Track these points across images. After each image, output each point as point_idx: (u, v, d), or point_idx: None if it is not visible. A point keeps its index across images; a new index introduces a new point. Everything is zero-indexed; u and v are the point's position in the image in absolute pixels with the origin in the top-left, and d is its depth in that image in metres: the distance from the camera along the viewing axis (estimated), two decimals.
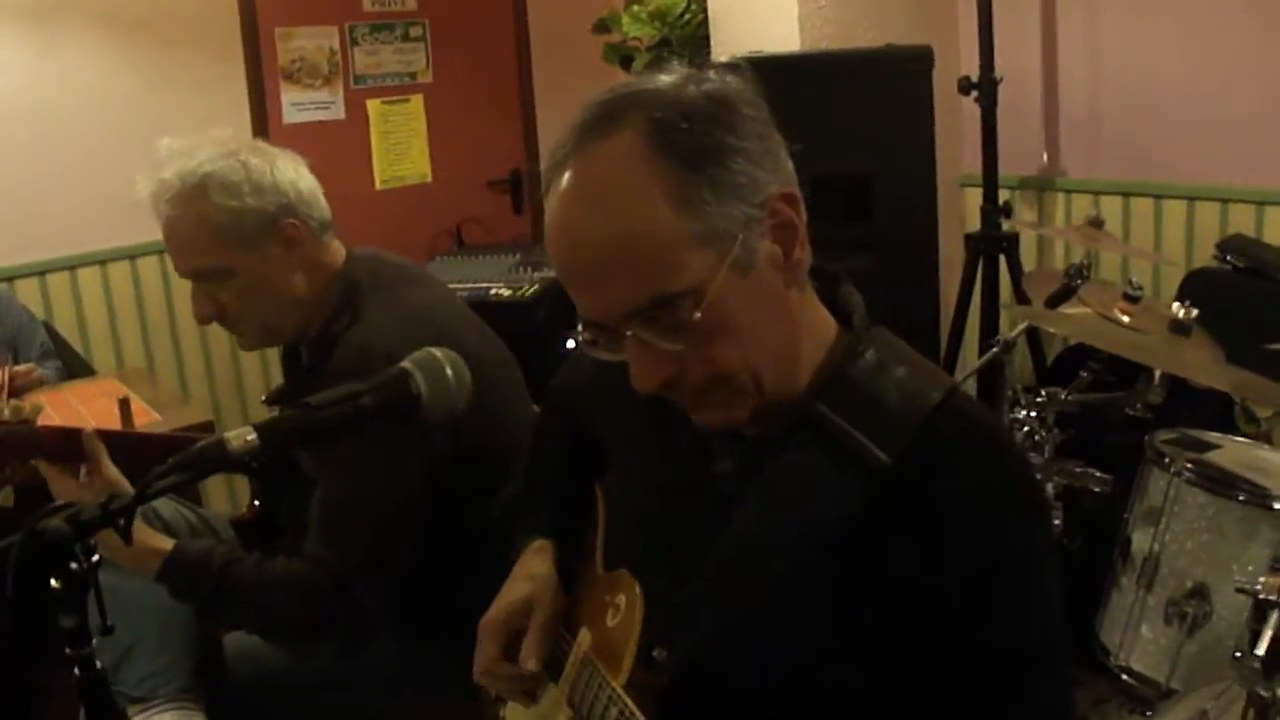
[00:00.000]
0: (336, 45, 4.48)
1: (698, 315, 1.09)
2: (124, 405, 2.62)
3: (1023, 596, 1.16)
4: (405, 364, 1.22)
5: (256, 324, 1.93)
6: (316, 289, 1.94)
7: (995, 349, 2.54)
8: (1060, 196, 4.15)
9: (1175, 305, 2.28)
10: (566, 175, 1.11)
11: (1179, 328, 2.26)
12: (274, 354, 4.51)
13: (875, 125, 2.85)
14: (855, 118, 2.83)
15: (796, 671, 1.19)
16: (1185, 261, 3.80)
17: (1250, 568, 2.20)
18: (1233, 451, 2.43)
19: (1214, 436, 2.52)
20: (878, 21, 3.78)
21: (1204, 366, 2.23)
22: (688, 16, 3.94)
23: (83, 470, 1.74)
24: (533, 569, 1.47)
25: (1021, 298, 3.72)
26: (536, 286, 4.10)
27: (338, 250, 1.98)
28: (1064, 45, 4.03)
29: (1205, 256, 3.75)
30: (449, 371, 1.26)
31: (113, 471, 1.73)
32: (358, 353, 1.83)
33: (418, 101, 4.69)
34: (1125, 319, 2.68)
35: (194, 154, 1.87)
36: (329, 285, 1.94)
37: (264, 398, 2.15)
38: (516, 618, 1.42)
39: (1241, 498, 2.22)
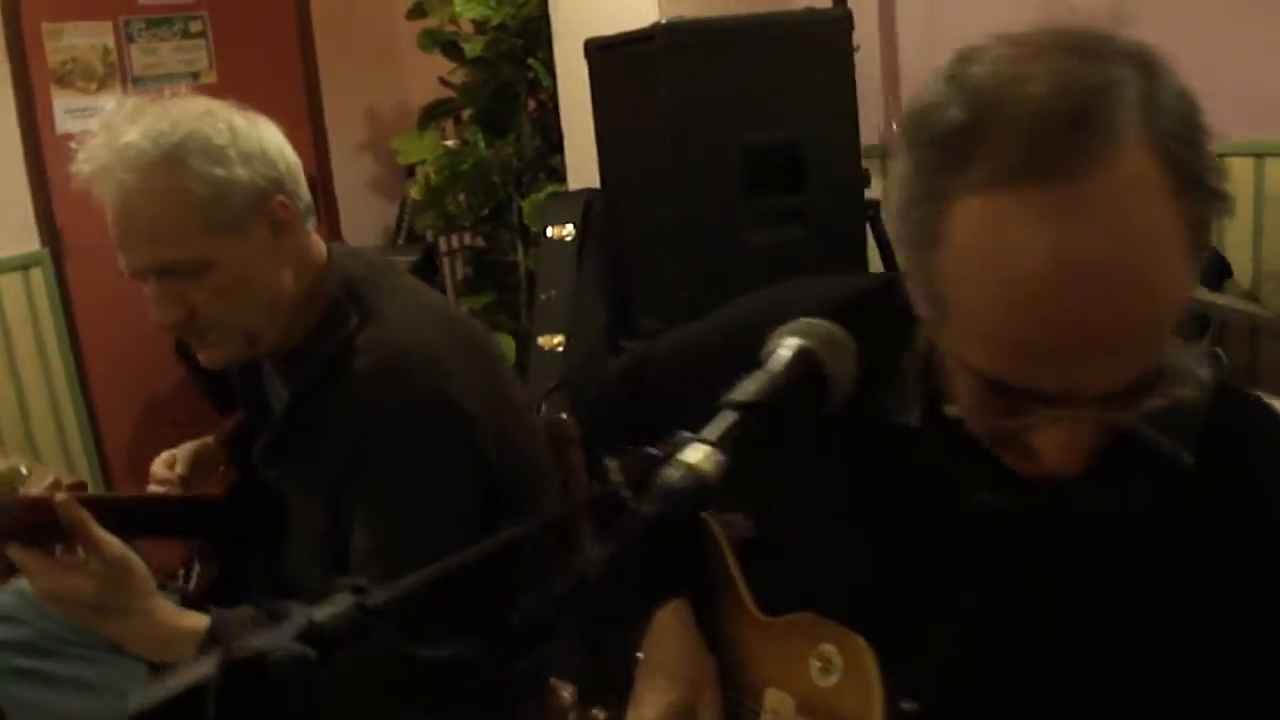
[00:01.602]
0: (111, 43, 3.94)
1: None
2: None
3: None
4: (795, 339, 0.91)
5: (237, 331, 1.53)
6: (303, 287, 1.56)
7: None
8: None
9: None
10: (1052, 200, 0.80)
11: None
12: (64, 391, 3.95)
13: (800, 92, 2.71)
14: (780, 85, 2.67)
15: (1085, 706, 1.05)
16: None
17: None
18: None
19: None
20: None
21: None
22: None
23: (59, 550, 1.32)
24: (682, 638, 1.27)
25: (891, 264, 3.68)
26: None
27: (319, 242, 1.62)
28: (902, 14, 4.01)
29: None
30: (843, 344, 0.95)
31: (116, 545, 1.33)
32: (392, 353, 1.50)
33: None
34: None
35: (166, 112, 1.46)
36: (317, 282, 1.58)
37: (218, 438, 1.75)
38: (686, 694, 1.22)
39: None
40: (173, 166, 1.43)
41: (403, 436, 1.47)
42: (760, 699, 1.19)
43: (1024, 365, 0.85)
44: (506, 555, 0.77)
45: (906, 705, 1.07)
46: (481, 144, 4.08)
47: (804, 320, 0.91)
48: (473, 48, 3.86)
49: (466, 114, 4.23)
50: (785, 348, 0.89)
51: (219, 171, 1.45)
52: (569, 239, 3.64)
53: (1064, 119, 0.80)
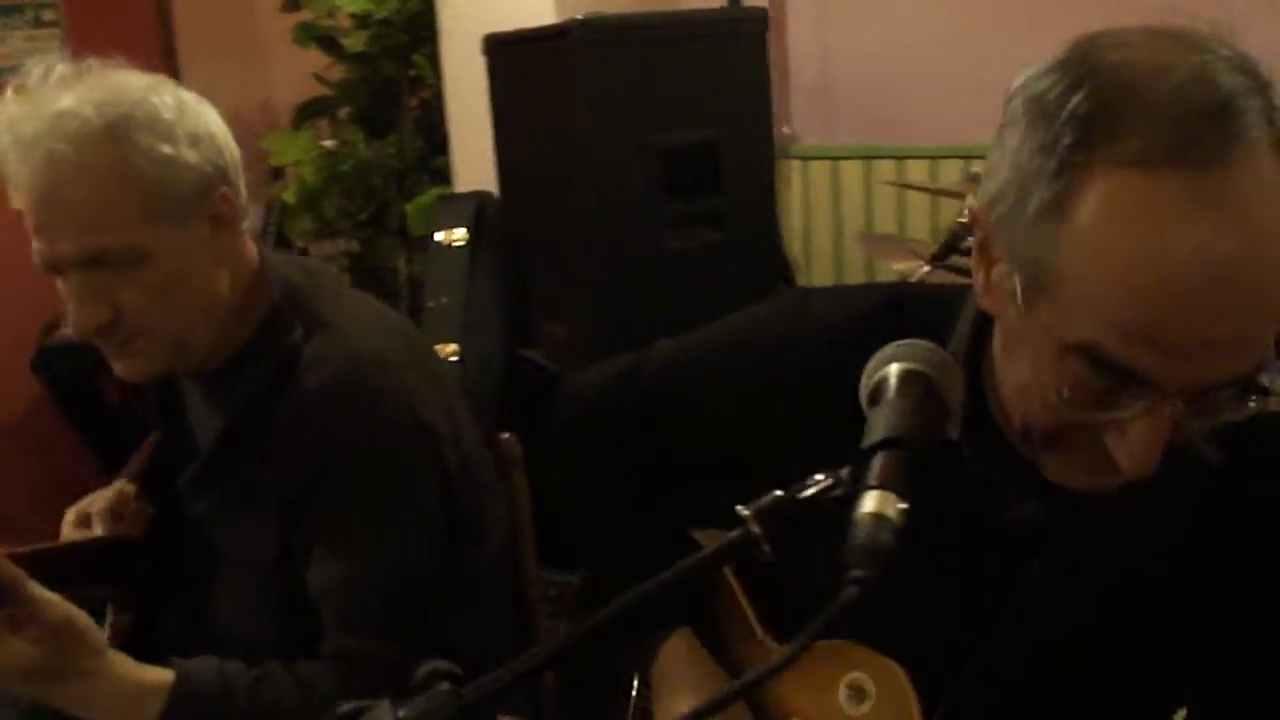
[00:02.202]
0: None
1: None
2: None
3: None
4: (903, 364, 0.83)
5: (166, 338, 1.36)
6: (238, 293, 1.41)
7: None
8: (796, 165, 4.12)
9: None
10: (1195, 187, 0.79)
11: None
12: None
13: (717, 90, 2.64)
14: (697, 83, 2.60)
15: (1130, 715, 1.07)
16: (931, 218, 3.90)
17: None
18: None
19: None
20: None
21: None
22: None
23: None
24: (693, 675, 1.20)
25: (785, 270, 3.66)
26: None
27: (252, 246, 1.47)
28: (792, 14, 4.00)
29: (952, 213, 3.87)
30: (950, 364, 0.88)
31: (59, 607, 1.16)
32: (349, 365, 1.36)
33: None
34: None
35: (104, 81, 1.30)
36: (252, 288, 1.42)
37: (132, 471, 1.56)
38: None
39: None
40: (117, 140, 1.27)
41: (370, 456, 1.35)
42: None
43: (1140, 348, 0.82)
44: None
45: None
46: (361, 144, 3.89)
47: (902, 343, 0.87)
48: (354, 43, 3.68)
49: (344, 113, 4.04)
50: (894, 375, 0.83)
51: (167, 150, 1.29)
52: (460, 244, 3.50)
53: (1207, 111, 0.79)
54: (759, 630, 1.20)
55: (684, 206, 2.60)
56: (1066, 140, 0.82)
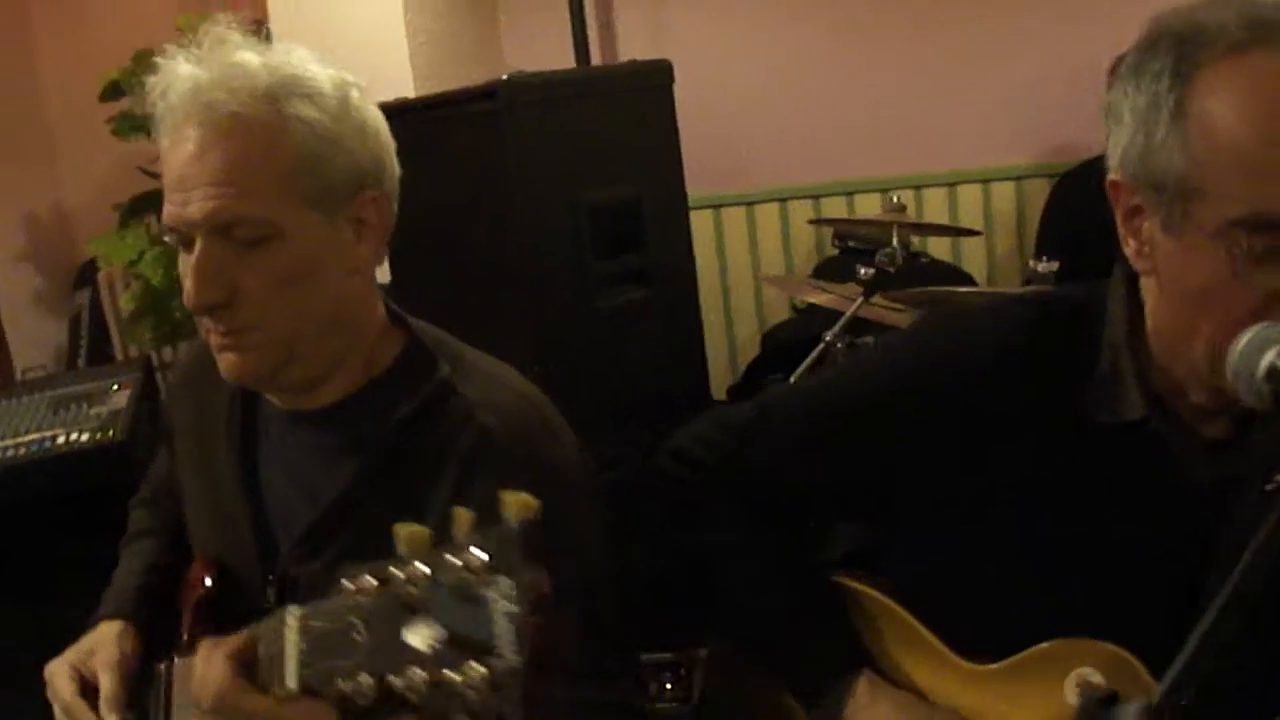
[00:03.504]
0: None
1: None
2: None
3: None
4: None
5: (280, 339, 1.23)
6: (367, 316, 1.31)
7: (839, 343, 2.50)
8: None
9: (1037, 262, 2.43)
10: None
11: (1040, 278, 2.42)
12: None
13: (633, 146, 2.63)
14: (618, 140, 2.59)
15: None
16: (783, 253, 4.06)
17: None
18: None
19: None
20: (466, 57, 3.59)
21: None
22: None
23: None
24: (895, 698, 1.21)
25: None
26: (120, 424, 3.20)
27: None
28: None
29: (804, 249, 4.04)
30: None
31: None
32: (523, 404, 1.29)
33: None
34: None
35: (278, 47, 1.24)
36: (387, 321, 1.33)
37: (191, 619, 1.37)
38: None
39: None
40: (282, 102, 1.19)
41: (567, 492, 1.27)
42: None
43: None
44: None
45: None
46: None
47: (1263, 327, 0.94)
48: None
49: None
50: None
51: (329, 126, 1.20)
52: None
53: (1266, 18, 0.99)
54: (947, 653, 1.21)
55: (611, 265, 2.59)
56: (1168, 64, 1.00)
